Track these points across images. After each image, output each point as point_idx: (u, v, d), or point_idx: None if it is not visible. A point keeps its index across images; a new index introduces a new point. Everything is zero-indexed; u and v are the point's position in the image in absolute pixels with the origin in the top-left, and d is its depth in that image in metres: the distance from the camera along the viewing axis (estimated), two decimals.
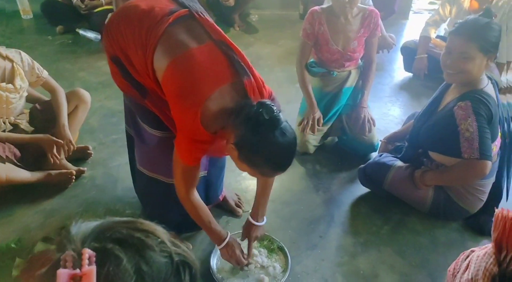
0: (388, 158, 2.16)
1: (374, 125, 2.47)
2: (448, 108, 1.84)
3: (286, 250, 1.84)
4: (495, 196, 2.00)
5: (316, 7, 2.38)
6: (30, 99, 2.32)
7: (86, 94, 2.37)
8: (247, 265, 1.74)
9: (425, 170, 1.99)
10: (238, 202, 2.11)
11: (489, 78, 1.85)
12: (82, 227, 0.62)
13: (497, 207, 2.00)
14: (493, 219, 1.08)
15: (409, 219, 2.10)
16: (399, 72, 3.72)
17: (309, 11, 2.38)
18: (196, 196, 1.56)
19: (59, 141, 2.11)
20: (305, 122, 2.43)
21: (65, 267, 0.54)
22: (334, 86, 2.51)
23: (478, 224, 2.02)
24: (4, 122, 2.14)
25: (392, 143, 2.32)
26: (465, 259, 1.25)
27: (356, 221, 2.10)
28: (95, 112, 2.85)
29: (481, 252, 1.15)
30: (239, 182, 2.30)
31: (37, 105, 2.32)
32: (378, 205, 2.18)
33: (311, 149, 2.53)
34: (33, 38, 4.21)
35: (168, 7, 1.44)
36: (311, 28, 2.36)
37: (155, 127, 1.64)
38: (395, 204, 2.16)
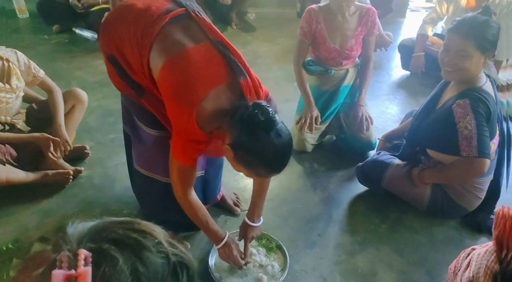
0: (386, 156, 2.16)
1: (372, 124, 2.47)
2: (447, 106, 1.84)
3: (284, 248, 1.84)
4: (493, 193, 2.00)
5: (313, 6, 2.37)
6: (26, 99, 2.31)
7: (83, 94, 2.36)
8: (245, 264, 1.74)
9: (423, 168, 1.99)
10: (236, 201, 2.11)
11: (488, 76, 1.85)
12: (78, 227, 0.62)
13: (495, 205, 2.02)
14: (494, 217, 1.08)
15: (407, 217, 2.11)
16: (397, 70, 3.72)
17: (306, 10, 2.37)
18: (194, 195, 1.55)
19: (56, 138, 2.10)
20: (303, 121, 2.43)
21: (60, 267, 0.53)
22: (331, 85, 2.51)
23: (476, 222, 2.03)
24: (1, 122, 2.13)
25: (390, 141, 2.33)
26: (466, 257, 1.26)
27: (354, 219, 2.10)
28: (92, 111, 2.84)
29: (482, 250, 1.15)
30: (237, 181, 2.30)
31: (33, 105, 2.31)
32: (376, 203, 2.18)
33: (309, 148, 2.53)
34: (29, 37, 4.19)
35: (165, 6, 1.44)
36: (308, 27, 2.36)
37: (151, 126, 1.64)
38: (393, 202, 2.16)
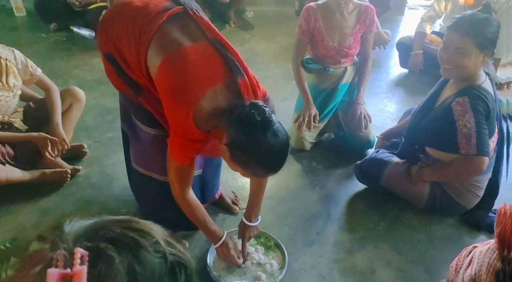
0: (384, 154, 2.16)
1: (370, 122, 2.47)
2: (446, 104, 1.83)
3: (283, 247, 1.84)
4: (492, 191, 2.00)
5: (312, 3, 2.36)
6: (24, 97, 2.30)
7: (80, 92, 2.35)
8: (243, 263, 1.74)
9: (422, 166, 1.99)
10: (235, 199, 2.11)
11: (487, 74, 1.85)
12: (75, 226, 0.61)
13: (493, 203, 2.02)
14: (496, 215, 1.08)
15: (406, 215, 2.11)
16: (395, 69, 3.72)
17: (305, 8, 2.36)
18: (192, 194, 1.55)
19: (54, 138, 2.09)
20: (301, 119, 2.43)
21: (56, 266, 0.53)
22: (330, 83, 2.51)
23: (474, 220, 2.03)
24: None
25: (389, 139, 2.33)
26: (468, 255, 1.26)
27: (352, 217, 2.10)
28: (90, 110, 2.83)
29: (484, 248, 1.15)
30: (236, 180, 2.29)
31: (31, 103, 2.30)
32: (374, 201, 2.18)
33: (307, 146, 2.52)
34: (27, 35, 4.17)
35: (163, 4, 1.43)
36: (306, 25, 2.35)
37: (149, 125, 1.63)
38: (391, 200, 2.16)
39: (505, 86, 3.24)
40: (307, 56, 2.55)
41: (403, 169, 2.04)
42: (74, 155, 2.38)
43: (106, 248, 0.57)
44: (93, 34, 3.97)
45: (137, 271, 0.58)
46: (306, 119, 2.40)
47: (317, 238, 1.96)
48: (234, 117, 1.26)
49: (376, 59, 3.55)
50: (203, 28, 1.40)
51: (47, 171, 2.15)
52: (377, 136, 2.43)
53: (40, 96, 2.33)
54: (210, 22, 1.44)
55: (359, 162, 2.21)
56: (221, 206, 2.08)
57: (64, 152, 2.17)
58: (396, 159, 2.10)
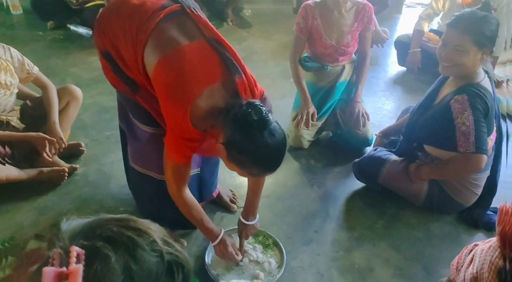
0: (382, 152, 2.16)
1: (368, 120, 2.47)
2: (445, 102, 1.83)
3: (281, 245, 1.84)
4: (490, 190, 2.01)
5: (310, 1, 2.36)
6: (20, 95, 2.29)
7: (77, 91, 2.34)
8: (241, 261, 1.74)
9: (420, 164, 1.99)
10: (233, 197, 2.11)
11: (486, 72, 1.85)
12: (72, 224, 0.61)
13: (491, 201, 2.03)
14: (498, 213, 1.08)
15: (404, 213, 2.11)
16: (393, 67, 3.72)
17: (303, 5, 2.36)
18: (188, 193, 1.55)
19: (52, 139, 2.08)
20: (299, 117, 2.42)
21: (52, 264, 0.53)
22: (328, 81, 2.50)
23: (472, 218, 2.04)
24: None
25: (387, 137, 2.33)
26: (469, 253, 1.26)
27: (351, 215, 2.10)
28: (87, 108, 2.82)
29: (485, 246, 1.15)
30: (234, 178, 2.29)
31: (28, 102, 2.29)
32: (372, 199, 2.19)
33: (306, 144, 2.52)
34: (23, 33, 4.15)
35: (160, 2, 1.42)
36: (304, 23, 2.35)
37: (146, 123, 1.63)
38: (389, 198, 2.16)
39: (503, 84, 3.25)
40: (305, 54, 2.54)
41: (401, 167, 2.04)
42: (72, 153, 2.37)
43: (103, 247, 0.57)
44: (90, 32, 3.96)
45: (133, 270, 0.58)
46: (304, 117, 2.40)
47: (315, 236, 1.96)
48: (231, 117, 1.26)
49: (374, 57, 3.54)
50: (201, 26, 1.39)
51: (45, 169, 2.14)
52: (375, 135, 2.43)
53: (37, 95, 2.32)
54: (207, 21, 1.44)
55: (357, 160, 2.21)
56: (219, 205, 2.08)
57: (61, 151, 2.16)
58: (394, 157, 2.10)
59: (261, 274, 1.71)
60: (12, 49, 2.11)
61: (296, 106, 2.55)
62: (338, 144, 2.61)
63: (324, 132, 2.66)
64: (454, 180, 1.95)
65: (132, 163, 1.79)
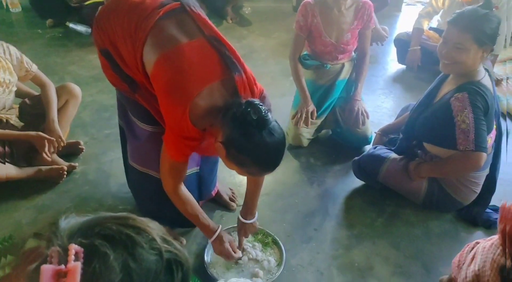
0: (382, 150, 2.16)
1: (368, 118, 2.47)
2: (445, 100, 1.83)
3: (280, 243, 1.84)
4: (489, 188, 2.00)
5: None
6: (19, 94, 2.29)
7: (76, 89, 2.33)
8: (240, 259, 1.74)
9: (420, 162, 1.99)
10: (232, 196, 2.11)
11: (486, 70, 1.85)
12: (71, 222, 0.61)
13: (490, 199, 2.03)
14: (499, 211, 1.08)
15: (403, 211, 2.11)
16: (393, 65, 3.71)
17: (302, 3, 2.35)
18: (184, 190, 1.55)
19: (51, 138, 2.07)
20: (299, 116, 2.42)
21: (50, 262, 0.53)
22: (327, 79, 2.50)
23: (471, 216, 2.03)
24: None
25: (387, 135, 2.32)
26: (470, 251, 1.26)
27: (350, 213, 2.10)
28: (86, 106, 2.82)
29: (487, 244, 1.15)
30: (233, 176, 2.29)
31: (26, 100, 2.28)
32: (372, 197, 2.19)
33: (305, 142, 2.52)
34: (22, 31, 4.14)
35: (159, 0, 1.42)
36: (304, 21, 2.34)
37: (145, 121, 1.62)
38: (389, 196, 2.16)
39: (503, 82, 3.24)
40: (305, 52, 2.54)
41: (400, 165, 2.04)
42: (71, 151, 2.37)
43: (101, 245, 0.57)
44: (89, 30, 3.95)
45: (132, 268, 0.58)
46: (304, 115, 2.40)
47: (315, 234, 1.96)
48: (230, 116, 1.26)
49: (373, 55, 3.54)
50: (200, 24, 1.39)
51: (43, 168, 2.14)
52: (374, 133, 2.42)
53: (36, 93, 2.32)
54: (207, 19, 1.43)
55: (356, 158, 2.21)
56: (218, 203, 2.08)
57: (60, 149, 2.15)
58: (393, 155, 2.10)
59: (261, 272, 1.71)
60: (11, 47, 2.10)
61: (295, 105, 2.55)
62: (337, 142, 2.61)
63: (323, 131, 2.66)
64: (454, 178, 1.95)
65: (131, 161, 1.79)
